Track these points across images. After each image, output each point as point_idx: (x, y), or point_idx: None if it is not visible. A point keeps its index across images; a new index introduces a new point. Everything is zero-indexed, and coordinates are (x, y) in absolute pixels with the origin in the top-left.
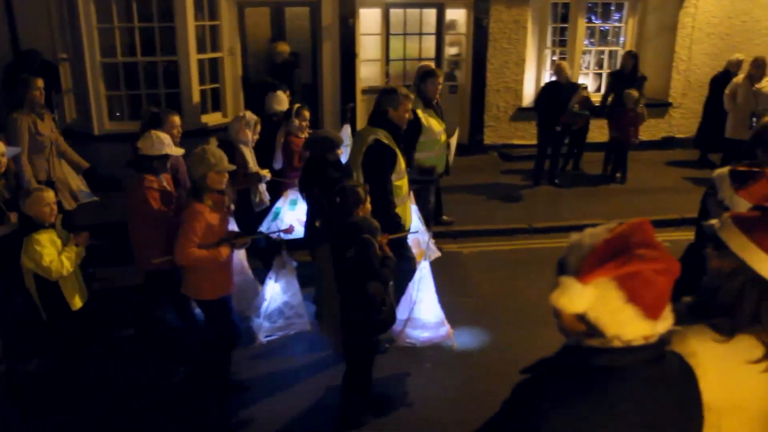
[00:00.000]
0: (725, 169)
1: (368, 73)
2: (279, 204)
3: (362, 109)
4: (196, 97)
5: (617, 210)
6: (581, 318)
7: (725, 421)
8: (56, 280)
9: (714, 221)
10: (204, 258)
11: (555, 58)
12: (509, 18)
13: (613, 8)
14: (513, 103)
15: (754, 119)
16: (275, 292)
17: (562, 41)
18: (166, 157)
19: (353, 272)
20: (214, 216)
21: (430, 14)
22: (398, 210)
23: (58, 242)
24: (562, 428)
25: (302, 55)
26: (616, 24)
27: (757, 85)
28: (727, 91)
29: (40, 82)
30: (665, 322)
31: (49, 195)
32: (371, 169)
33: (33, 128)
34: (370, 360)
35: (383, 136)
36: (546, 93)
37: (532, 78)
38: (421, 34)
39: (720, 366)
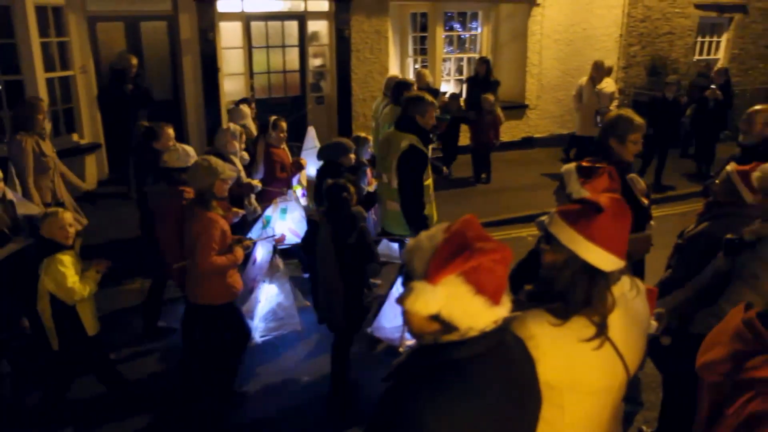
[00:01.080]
0: (572, 165)
1: (232, 87)
2: (268, 212)
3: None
4: None
5: (484, 209)
6: (435, 317)
7: (566, 397)
8: (74, 304)
9: (544, 217)
10: (224, 264)
11: (417, 66)
12: (370, 28)
13: (469, 17)
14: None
15: (599, 117)
16: (269, 294)
17: (423, 49)
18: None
19: (354, 255)
20: (224, 222)
21: (292, 26)
22: (426, 210)
23: (78, 265)
24: (446, 430)
25: (161, 70)
26: (473, 32)
27: (599, 86)
28: (573, 92)
29: (45, 105)
30: (506, 306)
31: (67, 216)
32: (407, 171)
33: (37, 149)
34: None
35: (416, 141)
36: None
37: None
38: (284, 46)
39: (557, 346)
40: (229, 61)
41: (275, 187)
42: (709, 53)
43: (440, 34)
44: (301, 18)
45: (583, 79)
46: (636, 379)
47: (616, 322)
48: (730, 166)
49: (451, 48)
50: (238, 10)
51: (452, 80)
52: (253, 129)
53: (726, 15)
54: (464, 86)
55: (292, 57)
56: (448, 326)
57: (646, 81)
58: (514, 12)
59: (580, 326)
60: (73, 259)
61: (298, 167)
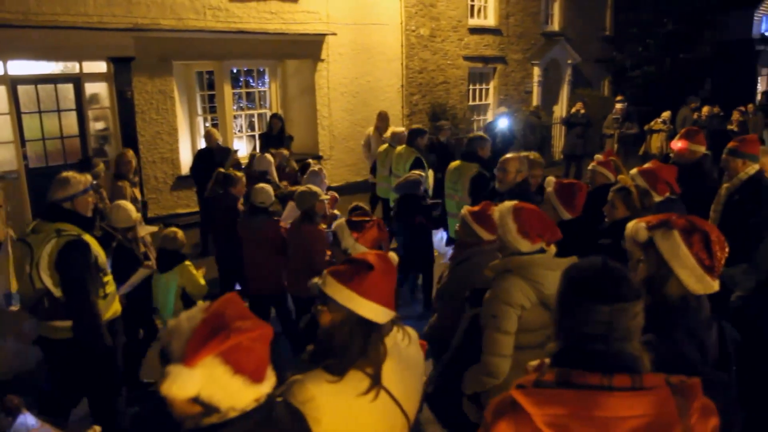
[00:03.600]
0: (343, 221)
1: (1, 156)
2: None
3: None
4: None
5: None
6: (195, 400)
7: None
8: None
9: (316, 279)
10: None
11: (208, 124)
12: (154, 89)
13: (257, 73)
14: (171, 172)
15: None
16: None
17: (213, 107)
18: None
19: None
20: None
21: (68, 89)
22: None
23: None
24: None
25: None
26: (262, 88)
27: (385, 135)
28: (362, 142)
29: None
30: (269, 382)
31: (180, 232)
32: (477, 192)
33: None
34: None
35: (479, 168)
36: (199, 159)
37: (188, 146)
38: (59, 110)
39: (336, 404)
40: None
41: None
42: (481, 99)
43: (228, 91)
44: (77, 80)
45: (370, 129)
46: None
47: (390, 371)
48: (464, 210)
49: (241, 105)
50: (0, 73)
51: (245, 136)
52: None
53: (490, 65)
54: (257, 142)
55: (70, 121)
56: (208, 408)
57: (429, 126)
58: (301, 68)
59: (356, 380)
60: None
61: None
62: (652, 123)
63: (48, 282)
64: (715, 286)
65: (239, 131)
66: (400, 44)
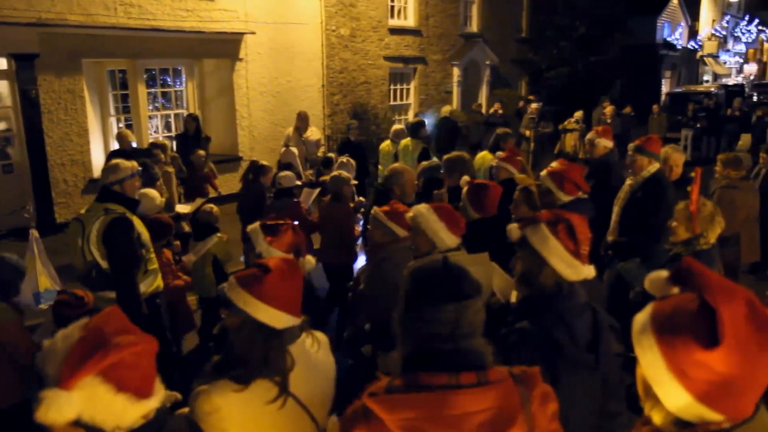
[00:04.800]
0: (257, 225)
1: None
2: None
3: None
4: None
5: None
6: (77, 423)
7: None
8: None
9: (226, 284)
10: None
11: (122, 124)
12: (62, 88)
13: (172, 73)
14: (83, 175)
15: (308, 164)
16: None
17: (126, 107)
18: None
19: None
20: None
21: None
22: None
23: None
24: None
25: None
26: (178, 88)
27: (305, 135)
28: (282, 142)
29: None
30: (158, 396)
31: (216, 208)
32: None
33: None
34: None
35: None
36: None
37: (100, 147)
38: None
39: (243, 413)
40: None
41: None
42: (402, 99)
43: (143, 91)
44: None
45: (290, 130)
46: None
47: (298, 378)
48: (374, 210)
49: (156, 105)
50: None
51: (161, 137)
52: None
53: (411, 66)
54: (174, 143)
55: None
56: (92, 430)
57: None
58: (218, 67)
59: (263, 389)
60: None
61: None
62: (566, 122)
63: (96, 255)
64: (586, 271)
65: (155, 132)
66: (320, 44)
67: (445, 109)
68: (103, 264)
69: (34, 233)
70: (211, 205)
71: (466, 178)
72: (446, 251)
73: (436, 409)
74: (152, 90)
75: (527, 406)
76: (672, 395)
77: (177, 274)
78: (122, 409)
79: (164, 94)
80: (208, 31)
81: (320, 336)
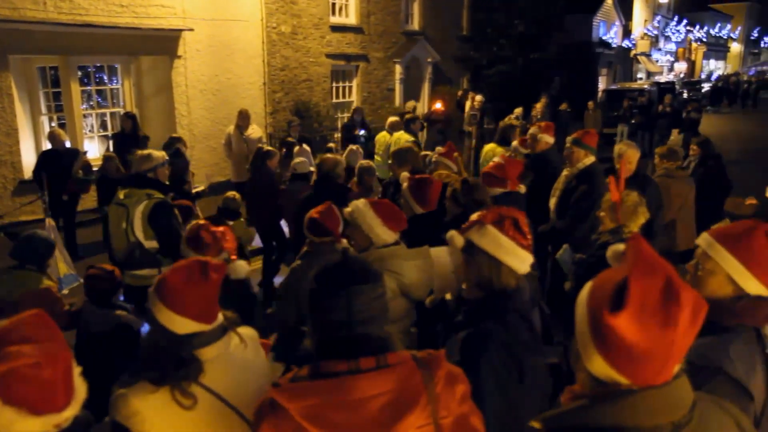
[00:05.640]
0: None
1: None
2: None
3: None
4: None
5: None
6: None
7: None
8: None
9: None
10: None
11: (54, 124)
12: None
13: (108, 70)
14: (12, 176)
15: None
16: None
17: (59, 106)
18: None
19: None
20: None
21: None
22: None
23: None
24: None
25: None
26: (114, 86)
27: (246, 133)
28: (223, 141)
29: None
30: (73, 407)
31: (239, 195)
32: None
33: None
34: None
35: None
36: (44, 162)
37: (31, 147)
38: None
39: (163, 416)
40: None
41: None
42: (344, 96)
43: (76, 89)
44: None
45: (231, 128)
46: None
47: (223, 379)
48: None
49: (91, 103)
50: None
51: (96, 137)
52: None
53: (353, 63)
54: (110, 143)
55: None
56: None
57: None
58: (156, 64)
59: (178, 392)
60: None
61: None
62: (506, 119)
63: (140, 236)
64: (531, 259)
65: (90, 131)
66: (261, 41)
67: (410, 104)
68: (146, 244)
69: (50, 222)
70: (234, 192)
71: (405, 174)
72: (383, 246)
73: (336, 395)
74: (87, 88)
75: (431, 387)
76: (589, 355)
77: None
78: (8, 423)
79: (99, 92)
80: (144, 28)
81: (248, 333)
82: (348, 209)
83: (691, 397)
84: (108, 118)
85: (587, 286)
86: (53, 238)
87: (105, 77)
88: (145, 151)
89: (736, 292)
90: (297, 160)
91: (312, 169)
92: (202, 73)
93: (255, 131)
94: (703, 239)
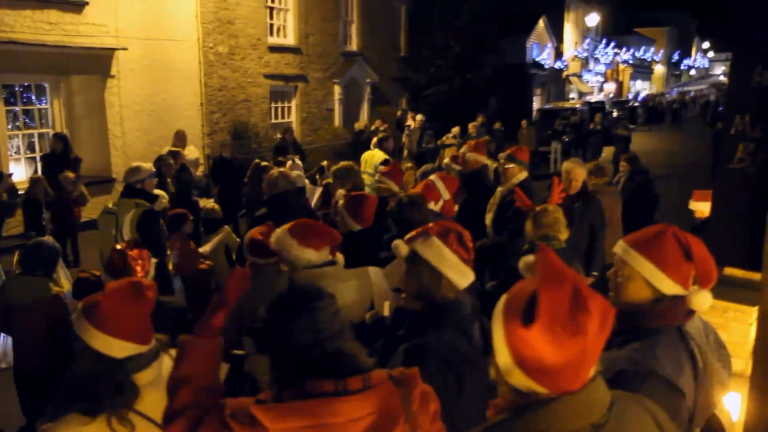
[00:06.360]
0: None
1: None
2: None
3: None
4: None
5: None
6: None
7: None
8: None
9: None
10: None
11: None
12: None
13: (36, 90)
14: None
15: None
16: None
17: None
18: None
19: None
20: None
21: None
22: None
23: None
24: None
25: None
26: (43, 106)
27: (183, 154)
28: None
29: None
30: None
31: (218, 206)
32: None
33: None
34: None
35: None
36: None
37: None
38: None
39: None
40: None
41: None
42: (284, 117)
43: (0, 109)
44: None
45: (167, 149)
46: None
47: (158, 403)
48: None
49: (17, 124)
50: None
51: (23, 159)
52: None
53: (291, 84)
54: (38, 165)
55: None
56: None
57: (231, 145)
58: (88, 84)
59: (114, 420)
60: None
61: None
62: (444, 138)
63: None
64: (472, 275)
65: (16, 153)
66: (197, 61)
67: (377, 123)
68: None
69: (50, 239)
70: (212, 203)
71: (341, 191)
72: (312, 267)
73: (321, 417)
74: (13, 108)
75: (408, 407)
76: (505, 364)
77: (200, 260)
78: None
79: (27, 112)
80: (74, 46)
81: None
82: (272, 239)
83: (608, 397)
84: (36, 139)
85: (501, 300)
86: None
87: (33, 97)
88: (134, 164)
89: (655, 295)
90: (294, 173)
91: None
92: (137, 93)
93: (192, 152)
94: (619, 246)
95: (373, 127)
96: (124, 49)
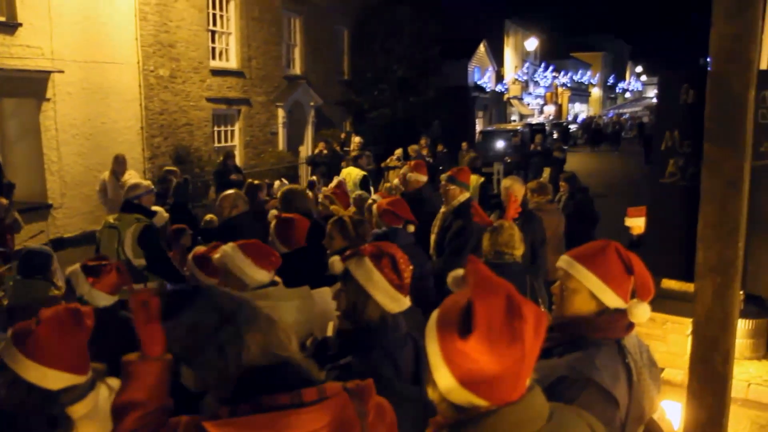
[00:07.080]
0: (77, 266)
1: None
2: None
3: None
4: None
5: None
6: None
7: None
8: None
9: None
10: None
11: None
12: None
13: None
14: None
15: None
16: None
17: None
18: None
19: None
20: None
21: None
22: None
23: None
24: None
25: None
26: None
27: (122, 179)
28: (97, 188)
29: None
30: None
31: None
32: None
33: None
34: None
35: None
36: None
37: None
38: None
39: None
40: None
41: None
42: (227, 141)
43: None
44: None
45: (106, 174)
46: None
47: None
48: (191, 255)
49: None
50: None
51: None
52: None
53: (234, 107)
54: None
55: None
56: None
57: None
58: (22, 107)
59: None
60: None
61: None
62: (388, 160)
63: (130, 254)
64: (407, 302)
65: None
66: (138, 84)
67: (356, 140)
68: (135, 261)
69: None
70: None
71: (273, 212)
72: (259, 287)
73: (278, 431)
74: None
75: (364, 418)
76: (444, 381)
77: None
78: None
79: None
80: (7, 69)
81: (115, 384)
82: (217, 255)
83: (547, 406)
84: None
85: (433, 317)
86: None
87: None
88: (133, 181)
89: (599, 307)
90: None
91: None
92: (75, 117)
93: (132, 177)
94: (564, 261)
95: (316, 150)
96: (60, 71)
